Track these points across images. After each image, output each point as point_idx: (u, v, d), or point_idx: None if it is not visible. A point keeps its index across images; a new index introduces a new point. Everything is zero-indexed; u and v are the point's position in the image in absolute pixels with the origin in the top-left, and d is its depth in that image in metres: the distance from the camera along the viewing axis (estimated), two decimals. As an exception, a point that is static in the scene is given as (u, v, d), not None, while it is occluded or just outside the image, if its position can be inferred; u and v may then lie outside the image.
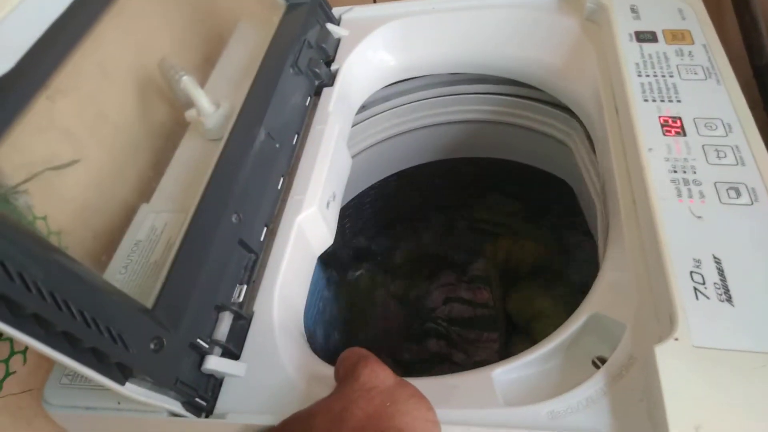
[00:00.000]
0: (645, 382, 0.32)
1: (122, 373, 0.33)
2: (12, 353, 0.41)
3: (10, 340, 0.41)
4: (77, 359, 0.31)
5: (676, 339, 0.32)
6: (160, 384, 0.35)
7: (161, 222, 0.46)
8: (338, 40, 0.61)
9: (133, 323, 0.33)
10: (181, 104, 0.57)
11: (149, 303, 0.36)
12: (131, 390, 0.34)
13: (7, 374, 0.40)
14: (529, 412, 0.33)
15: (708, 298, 0.33)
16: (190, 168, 0.51)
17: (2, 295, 0.27)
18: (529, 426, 0.32)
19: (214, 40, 0.64)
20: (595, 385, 0.33)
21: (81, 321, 0.30)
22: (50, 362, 0.41)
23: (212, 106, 0.52)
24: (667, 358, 0.31)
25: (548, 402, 0.33)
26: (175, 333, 0.36)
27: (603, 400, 0.33)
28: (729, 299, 0.33)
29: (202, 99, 0.51)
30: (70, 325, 0.29)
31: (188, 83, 0.51)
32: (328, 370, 0.37)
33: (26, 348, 0.42)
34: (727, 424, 0.29)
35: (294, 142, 0.52)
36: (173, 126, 0.58)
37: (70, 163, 0.46)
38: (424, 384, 0.33)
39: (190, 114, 0.52)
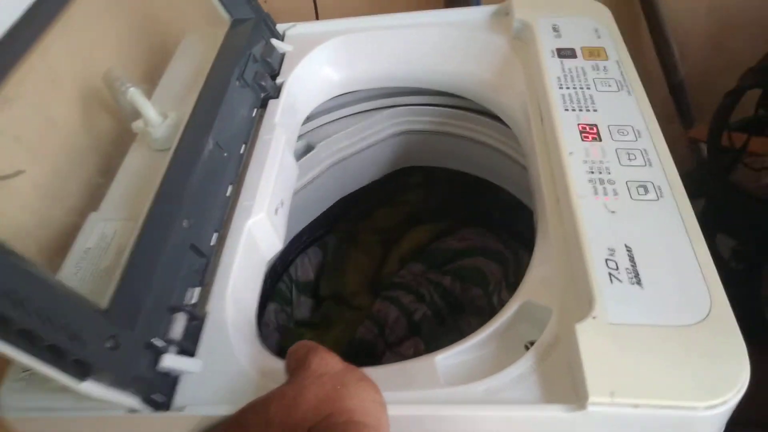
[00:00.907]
0: (568, 357, 0.36)
1: (80, 371, 0.34)
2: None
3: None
4: (36, 356, 0.31)
5: (594, 317, 0.36)
6: (117, 381, 0.36)
7: (111, 229, 0.47)
8: (283, 55, 0.64)
9: (89, 322, 0.34)
10: (125, 115, 0.58)
11: (104, 305, 0.37)
12: (89, 388, 0.34)
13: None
14: (468, 390, 0.36)
15: (621, 281, 0.38)
16: (138, 177, 0.52)
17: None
18: (467, 401, 0.35)
19: (160, 53, 0.66)
20: (525, 363, 0.37)
21: (37, 319, 0.31)
22: (2, 370, 0.41)
23: (159, 117, 0.53)
24: (587, 334, 0.35)
25: (484, 380, 0.36)
26: (130, 333, 0.37)
27: (533, 376, 0.36)
28: (638, 282, 0.38)
29: (149, 110, 0.52)
30: (27, 323, 0.30)
31: (135, 94, 0.52)
32: (280, 365, 0.39)
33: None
34: (637, 387, 0.33)
35: (241, 152, 0.54)
36: (119, 136, 0.59)
37: (15, 174, 0.46)
38: (372, 371, 0.36)
39: (137, 125, 0.53)
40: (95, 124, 0.58)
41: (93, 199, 0.52)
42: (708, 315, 0.36)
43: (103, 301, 0.37)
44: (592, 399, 0.33)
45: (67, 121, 0.53)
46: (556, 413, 0.34)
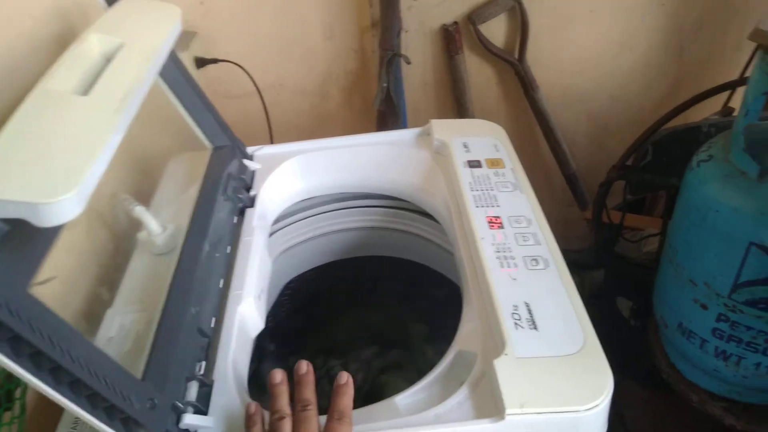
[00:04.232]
0: (491, 385, 0.50)
1: (126, 428, 0.45)
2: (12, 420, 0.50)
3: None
4: (95, 416, 0.42)
5: (506, 354, 0.50)
6: (154, 435, 0.46)
7: (128, 320, 0.58)
8: (254, 172, 0.79)
9: (136, 387, 0.45)
10: (121, 229, 0.71)
11: (139, 375, 0.48)
12: (131, 442, 0.45)
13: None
14: (422, 417, 0.49)
15: (523, 327, 0.53)
16: (145, 277, 0.63)
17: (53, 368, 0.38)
18: (421, 424, 0.48)
19: (150, 173, 0.79)
20: (462, 393, 0.50)
21: (105, 385, 0.42)
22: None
23: (160, 228, 0.66)
24: (502, 366, 0.49)
25: (433, 409, 0.50)
26: (161, 396, 0.48)
27: (468, 402, 0.50)
28: (535, 327, 0.53)
29: (152, 223, 0.65)
30: (99, 390, 0.41)
31: (141, 212, 0.65)
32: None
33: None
34: (539, 399, 0.47)
35: (227, 252, 0.67)
36: (116, 247, 0.71)
37: (49, 279, 0.57)
38: (356, 412, 0.49)
39: (141, 235, 0.66)
40: (97, 237, 0.70)
41: (105, 298, 0.63)
42: (583, 346, 0.51)
43: (137, 372, 0.48)
44: (508, 411, 0.46)
45: (77, 237, 0.65)
46: (485, 425, 0.47)
